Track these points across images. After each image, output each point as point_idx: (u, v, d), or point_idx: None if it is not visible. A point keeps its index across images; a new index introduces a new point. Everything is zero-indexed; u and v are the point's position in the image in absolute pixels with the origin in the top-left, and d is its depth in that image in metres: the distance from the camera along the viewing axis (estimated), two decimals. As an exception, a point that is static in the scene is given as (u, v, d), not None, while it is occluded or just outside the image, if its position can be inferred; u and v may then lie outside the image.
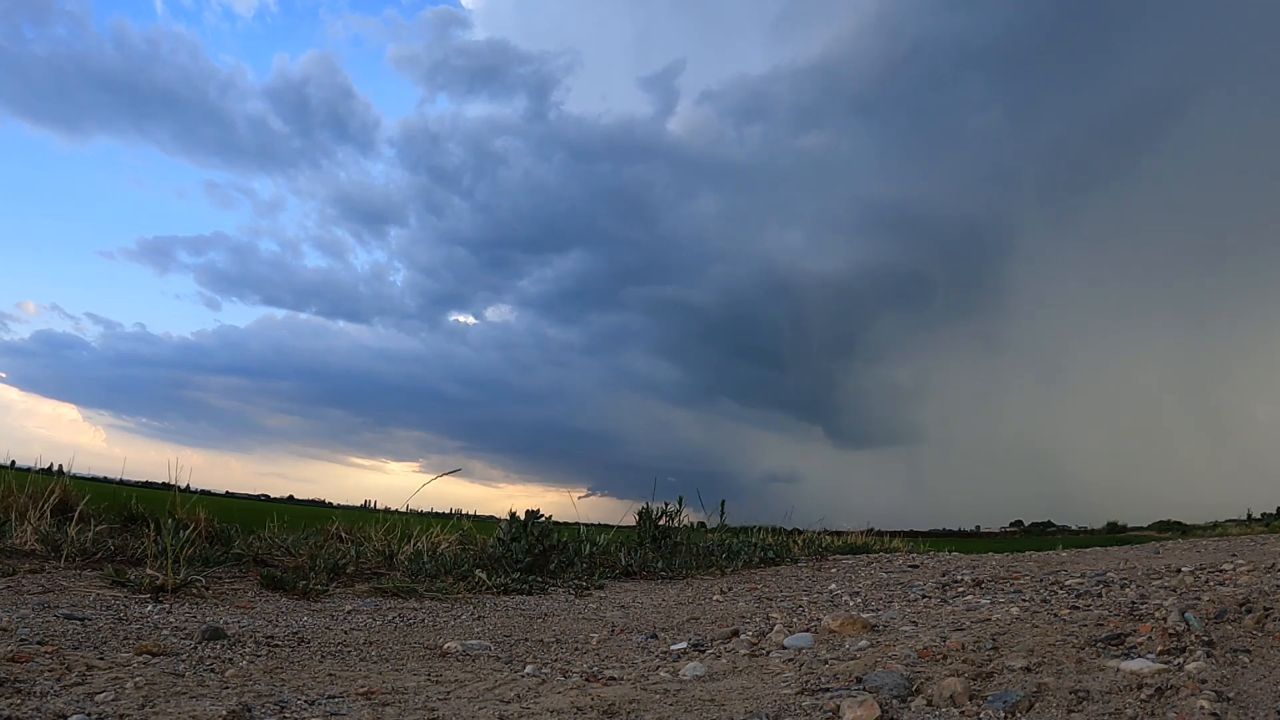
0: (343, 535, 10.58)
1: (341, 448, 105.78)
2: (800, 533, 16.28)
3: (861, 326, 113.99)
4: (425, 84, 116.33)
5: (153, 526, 7.84)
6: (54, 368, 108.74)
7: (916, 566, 10.79)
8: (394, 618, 6.19)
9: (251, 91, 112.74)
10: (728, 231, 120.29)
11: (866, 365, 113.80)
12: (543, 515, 10.07)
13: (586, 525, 12.62)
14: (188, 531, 7.79)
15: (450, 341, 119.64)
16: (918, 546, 18.45)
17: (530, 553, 9.40)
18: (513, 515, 10.14)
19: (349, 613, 6.24)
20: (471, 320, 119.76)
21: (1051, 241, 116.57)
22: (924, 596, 6.58)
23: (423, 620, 6.20)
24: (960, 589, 6.80)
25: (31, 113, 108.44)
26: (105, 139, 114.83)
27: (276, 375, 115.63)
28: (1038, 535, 65.85)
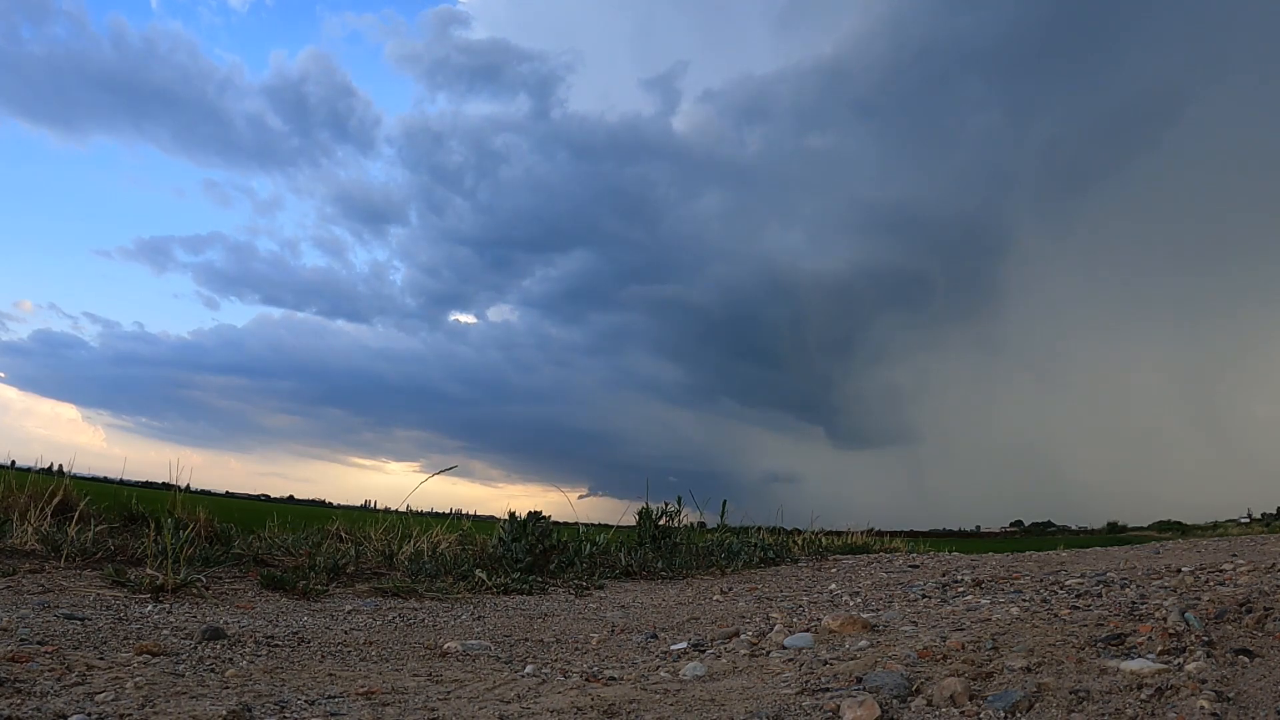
0: (343, 535, 10.59)
1: (341, 447, 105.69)
2: (800, 533, 16.28)
3: (861, 327, 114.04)
4: (425, 82, 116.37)
5: (153, 526, 7.85)
6: (53, 367, 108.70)
7: (917, 566, 10.79)
8: (394, 618, 6.19)
9: (250, 90, 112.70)
10: (729, 231, 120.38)
11: (866, 366, 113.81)
12: (543, 515, 10.08)
13: (586, 525, 12.62)
14: (187, 531, 7.80)
15: (451, 341, 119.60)
16: (918, 546, 18.40)
17: (530, 553, 9.39)
18: (512, 515, 10.15)
19: (349, 613, 6.24)
20: (472, 320, 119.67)
21: (1050, 242, 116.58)
22: (924, 596, 6.58)
23: (423, 620, 6.21)
24: (960, 589, 6.80)
25: (29, 112, 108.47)
26: (104, 138, 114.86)
27: (276, 375, 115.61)
28: (1038, 535, 65.83)
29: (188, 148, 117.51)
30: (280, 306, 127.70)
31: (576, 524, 12.67)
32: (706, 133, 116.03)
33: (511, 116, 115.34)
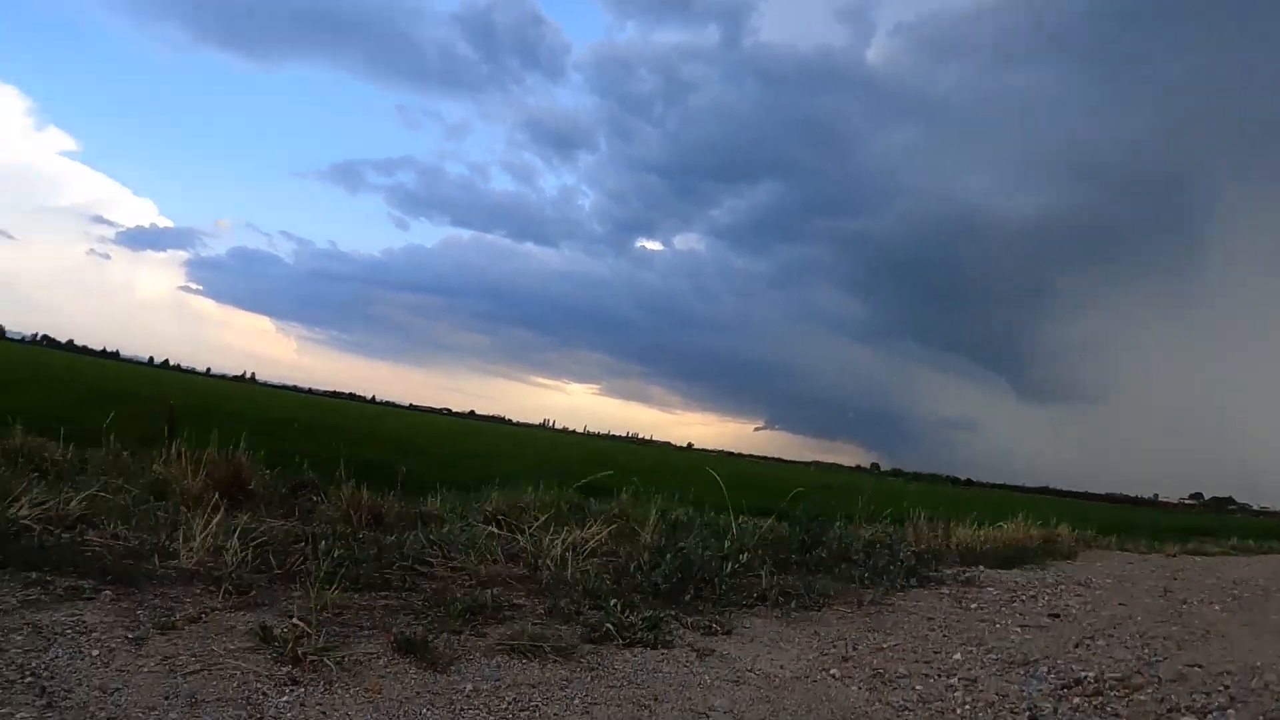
0: (500, 519, 10.89)
1: (524, 366, 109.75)
2: (954, 524, 16.02)
3: (1052, 276, 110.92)
4: (614, 10, 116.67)
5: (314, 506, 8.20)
6: (248, 281, 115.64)
7: (1058, 616, 10.44)
8: (511, 702, 6.27)
9: (440, 18, 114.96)
10: (919, 167, 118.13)
11: (1056, 317, 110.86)
12: (690, 522, 10.18)
13: (739, 523, 12.40)
14: (340, 539, 8.19)
15: (636, 267, 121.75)
16: (1094, 540, 17.46)
17: (668, 580, 9.48)
18: (662, 515, 10.32)
19: (469, 694, 6.31)
20: (659, 247, 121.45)
21: (1258, 194, 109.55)
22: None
23: (535, 705, 6.28)
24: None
25: (226, 42, 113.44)
26: (297, 66, 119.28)
27: (462, 294, 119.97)
28: (1216, 512, 63.43)
29: (379, 74, 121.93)
30: (469, 228, 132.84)
31: (730, 515, 12.52)
32: (899, 66, 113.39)
33: (701, 45, 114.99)
